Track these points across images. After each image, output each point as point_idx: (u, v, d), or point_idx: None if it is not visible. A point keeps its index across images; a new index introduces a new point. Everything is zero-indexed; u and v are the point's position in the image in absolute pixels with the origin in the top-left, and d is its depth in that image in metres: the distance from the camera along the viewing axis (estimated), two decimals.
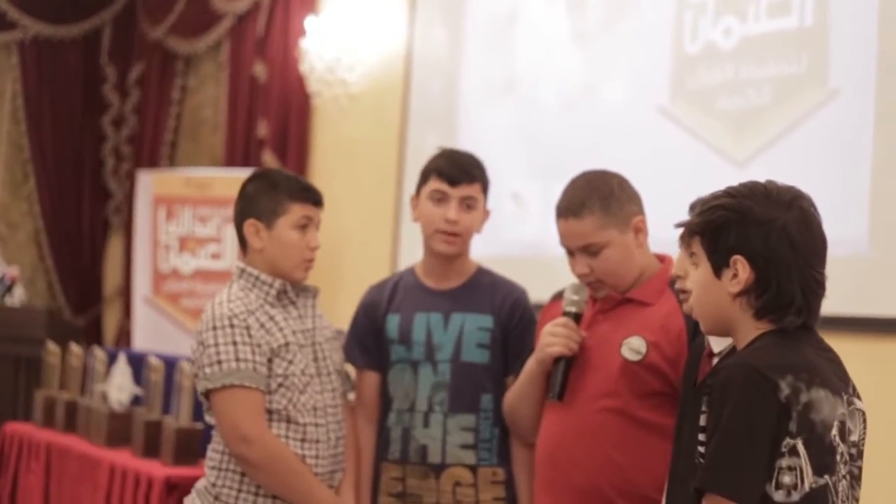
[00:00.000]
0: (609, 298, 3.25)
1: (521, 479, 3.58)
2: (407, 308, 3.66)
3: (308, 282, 3.56)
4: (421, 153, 8.60)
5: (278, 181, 3.49)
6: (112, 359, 5.64)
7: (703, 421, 2.36)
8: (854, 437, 2.39)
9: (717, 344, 2.67)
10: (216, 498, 3.38)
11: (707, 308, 2.49)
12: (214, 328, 3.32)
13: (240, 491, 3.36)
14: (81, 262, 11.13)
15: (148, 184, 9.00)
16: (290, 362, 3.36)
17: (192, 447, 4.89)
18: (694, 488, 2.30)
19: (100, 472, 5.11)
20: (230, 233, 7.48)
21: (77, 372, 5.94)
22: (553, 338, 3.19)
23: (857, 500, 2.43)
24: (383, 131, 8.15)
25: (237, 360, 3.28)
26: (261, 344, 3.32)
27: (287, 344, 3.36)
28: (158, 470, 4.83)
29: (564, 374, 3.19)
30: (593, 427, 3.13)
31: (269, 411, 3.34)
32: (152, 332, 8.60)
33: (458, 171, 3.59)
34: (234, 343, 3.29)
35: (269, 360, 3.33)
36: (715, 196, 2.49)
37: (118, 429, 5.34)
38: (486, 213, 3.71)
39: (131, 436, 5.24)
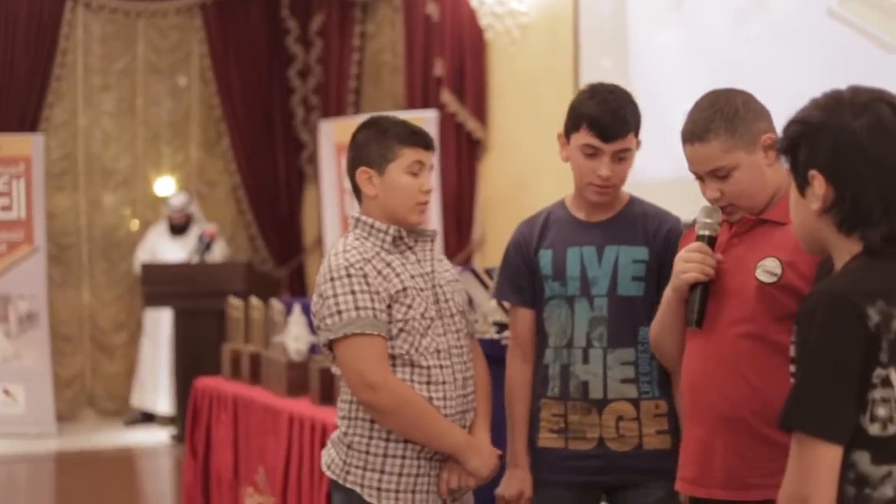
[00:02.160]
0: (744, 221, 3.10)
1: (683, 411, 3.49)
2: (559, 243, 3.54)
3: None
4: (596, 79, 8.40)
5: (388, 127, 3.43)
6: (289, 310, 5.71)
7: (792, 351, 2.20)
8: None
9: None
10: (349, 447, 3.38)
11: (800, 229, 2.33)
12: (332, 279, 3.29)
13: (370, 438, 3.35)
14: (280, 214, 11.38)
15: (329, 132, 9.12)
16: (410, 307, 3.32)
17: None
18: (778, 425, 2.16)
19: (280, 421, 5.18)
20: None
21: (259, 324, 6.04)
22: (687, 264, 3.06)
23: None
24: (557, 59, 8.05)
25: (357, 308, 3.26)
26: (379, 291, 3.29)
27: (405, 289, 3.32)
28: (333, 417, 4.86)
29: (702, 299, 3.05)
30: (732, 354, 3.00)
31: (392, 356, 3.31)
32: None
33: (612, 126, 3.38)
34: (353, 292, 3.27)
35: (389, 307, 3.30)
36: (797, 110, 2.31)
37: (297, 378, 5.40)
38: (637, 145, 3.55)
39: (309, 384, 5.30)
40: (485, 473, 3.41)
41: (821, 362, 2.11)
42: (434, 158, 3.49)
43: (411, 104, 9.47)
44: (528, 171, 8.38)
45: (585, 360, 3.48)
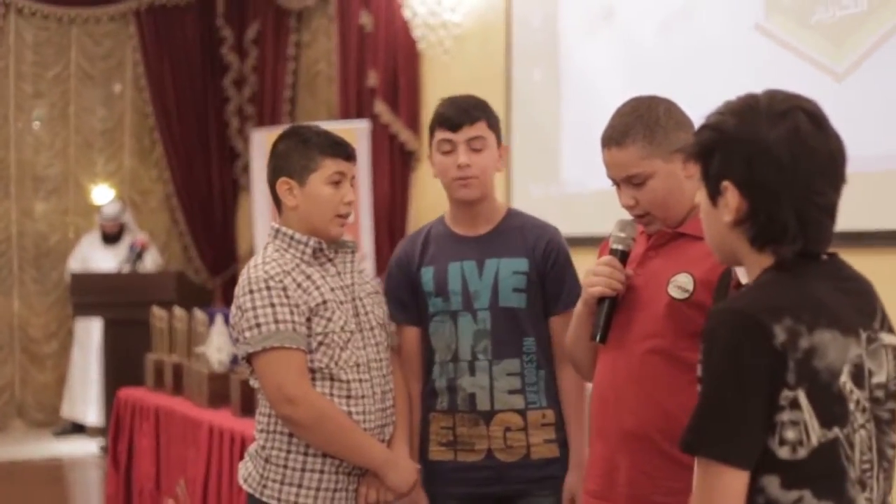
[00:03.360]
0: (661, 234, 3.04)
1: (571, 418, 3.52)
2: (440, 259, 3.57)
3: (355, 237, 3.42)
4: (527, 90, 8.53)
5: (309, 137, 3.39)
6: (212, 320, 5.67)
7: (699, 371, 2.08)
8: (880, 378, 2.10)
9: (745, 275, 2.48)
10: (266, 460, 3.35)
11: (712, 240, 2.22)
12: (251, 292, 3.26)
13: (289, 452, 3.32)
14: (214, 223, 11.31)
15: (262, 142, 9.06)
16: (329, 320, 3.29)
17: None
18: (680, 448, 2.05)
19: (200, 433, 5.15)
20: None
21: (183, 334, 5.99)
22: (595, 277, 3.02)
23: (893, 446, 2.13)
24: (489, 71, 8.04)
25: (276, 321, 3.23)
26: (299, 304, 3.26)
27: (325, 302, 3.30)
28: (252, 429, 4.82)
29: (608, 315, 3.00)
30: (640, 369, 2.96)
31: (312, 370, 3.28)
32: None
33: (457, 115, 3.47)
34: (272, 305, 3.24)
35: (308, 319, 3.27)
36: (710, 114, 2.17)
37: (218, 389, 5.38)
38: (503, 150, 3.60)
39: (230, 395, 5.27)
40: (404, 488, 3.42)
41: (724, 383, 2.00)
42: (362, 170, 3.47)
43: (345, 114, 9.43)
44: None
45: (472, 372, 3.51)
